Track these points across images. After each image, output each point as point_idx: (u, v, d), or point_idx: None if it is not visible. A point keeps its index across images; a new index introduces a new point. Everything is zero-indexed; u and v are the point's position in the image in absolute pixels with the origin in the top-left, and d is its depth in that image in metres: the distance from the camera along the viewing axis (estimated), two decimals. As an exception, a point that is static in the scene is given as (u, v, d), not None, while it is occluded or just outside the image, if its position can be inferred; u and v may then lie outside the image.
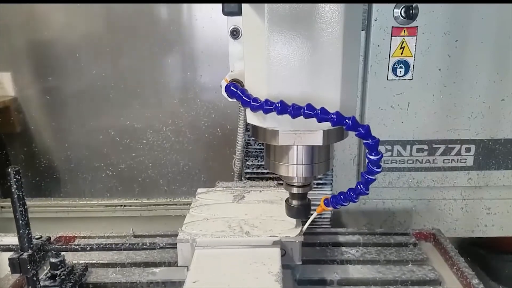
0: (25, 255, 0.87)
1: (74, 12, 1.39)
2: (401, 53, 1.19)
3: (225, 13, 0.79)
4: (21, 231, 0.88)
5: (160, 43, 1.42)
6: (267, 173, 1.22)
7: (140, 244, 0.96)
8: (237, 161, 1.23)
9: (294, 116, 0.70)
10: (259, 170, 1.22)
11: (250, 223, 0.96)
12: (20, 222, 0.87)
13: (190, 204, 1.51)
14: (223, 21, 0.87)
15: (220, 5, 0.80)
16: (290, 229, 0.93)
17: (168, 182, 1.54)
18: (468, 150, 1.28)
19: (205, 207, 1.05)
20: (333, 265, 1.03)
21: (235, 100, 0.79)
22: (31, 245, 0.89)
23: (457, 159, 1.29)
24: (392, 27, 1.16)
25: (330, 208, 0.87)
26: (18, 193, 0.86)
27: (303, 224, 0.94)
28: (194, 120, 1.47)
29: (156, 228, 1.48)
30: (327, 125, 0.70)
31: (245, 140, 1.20)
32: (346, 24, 0.70)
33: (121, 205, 1.52)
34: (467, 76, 1.21)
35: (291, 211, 0.92)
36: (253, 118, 0.80)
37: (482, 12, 1.15)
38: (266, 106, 0.71)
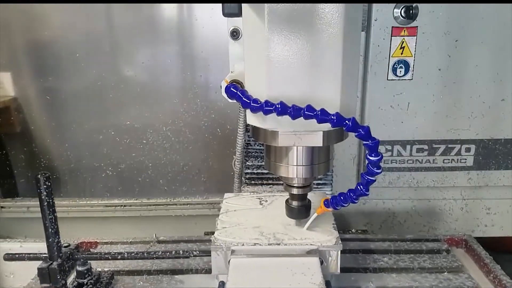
0: (55, 265, 0.84)
1: (74, 12, 1.39)
2: (401, 53, 1.19)
3: (225, 14, 0.79)
4: (50, 240, 0.84)
5: (160, 43, 1.42)
6: (267, 173, 1.22)
7: (173, 252, 0.92)
8: (237, 161, 1.23)
9: (294, 117, 0.70)
10: (259, 171, 1.22)
11: (282, 231, 0.92)
12: (50, 230, 0.83)
13: (190, 204, 1.53)
14: (223, 21, 0.87)
15: (220, 5, 0.79)
16: (326, 237, 0.89)
17: (168, 182, 1.53)
18: (468, 150, 1.28)
19: (233, 213, 1.01)
20: (366, 274, 0.99)
21: (235, 101, 0.79)
22: (60, 254, 0.85)
23: (457, 159, 1.29)
24: (392, 27, 1.16)
25: (330, 209, 0.87)
26: (48, 200, 0.81)
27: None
28: (194, 120, 1.46)
29: (157, 228, 1.49)
30: (327, 126, 0.71)
31: (245, 140, 1.20)
32: (346, 25, 0.70)
33: (121, 205, 1.52)
34: (467, 76, 1.21)
35: (291, 212, 0.92)
36: (253, 119, 0.80)
37: (482, 12, 1.15)
38: (266, 107, 0.72)
